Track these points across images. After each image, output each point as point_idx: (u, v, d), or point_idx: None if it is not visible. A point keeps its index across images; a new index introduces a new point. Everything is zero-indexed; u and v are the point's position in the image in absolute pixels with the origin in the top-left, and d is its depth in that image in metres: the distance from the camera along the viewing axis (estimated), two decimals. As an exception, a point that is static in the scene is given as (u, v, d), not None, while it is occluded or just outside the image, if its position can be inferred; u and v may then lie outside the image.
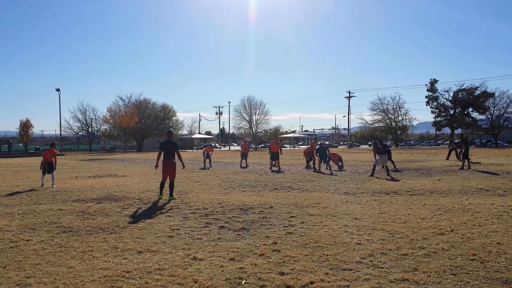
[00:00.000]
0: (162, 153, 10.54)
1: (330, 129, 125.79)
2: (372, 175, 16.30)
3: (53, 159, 14.72)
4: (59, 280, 4.48)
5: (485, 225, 6.91)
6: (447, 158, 25.66)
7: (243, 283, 4.35)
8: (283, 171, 19.31)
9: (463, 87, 73.52)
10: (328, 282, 4.35)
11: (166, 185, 10.75)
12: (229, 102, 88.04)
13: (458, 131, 78.06)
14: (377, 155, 16.79)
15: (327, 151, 19.63)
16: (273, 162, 21.40)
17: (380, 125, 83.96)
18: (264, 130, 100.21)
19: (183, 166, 11.20)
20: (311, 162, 21.68)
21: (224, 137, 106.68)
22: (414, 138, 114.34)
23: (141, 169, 22.54)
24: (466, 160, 19.46)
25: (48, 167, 14.56)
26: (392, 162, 20.35)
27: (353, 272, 4.67)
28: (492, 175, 15.97)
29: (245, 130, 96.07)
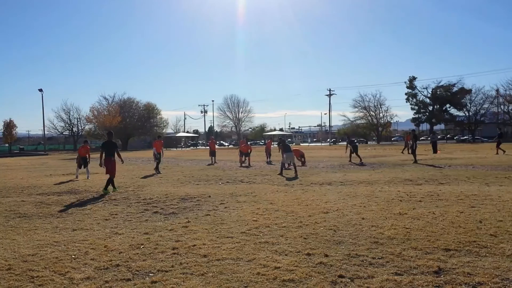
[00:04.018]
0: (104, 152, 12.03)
1: (316, 126, 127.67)
2: (280, 173, 16.36)
3: (87, 155, 16.62)
4: (1, 246, 5.84)
5: (369, 206, 8.37)
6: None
7: (141, 247, 5.72)
8: (252, 167, 20.72)
9: (440, 84, 75.70)
10: (205, 244, 5.75)
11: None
12: (212, 101, 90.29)
13: (437, 127, 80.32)
14: (284, 154, 17.08)
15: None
16: (243, 158, 23.01)
17: (362, 122, 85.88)
18: (250, 128, 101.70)
19: (122, 161, 12.71)
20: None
21: (211, 136, 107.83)
22: (399, 134, 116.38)
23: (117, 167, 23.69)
24: (414, 154, 21.28)
25: (82, 162, 16.50)
26: (358, 156, 22.34)
27: (232, 238, 6.07)
28: (434, 168, 17.46)
29: (231, 128, 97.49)
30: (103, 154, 11.95)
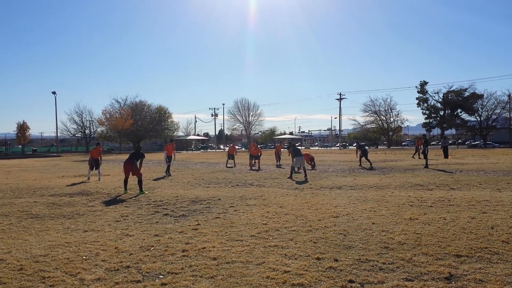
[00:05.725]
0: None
1: (326, 130, 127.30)
2: (290, 177, 16.16)
3: (99, 157, 16.92)
4: (14, 247, 5.91)
5: (379, 211, 8.31)
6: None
7: (151, 249, 5.76)
8: (262, 170, 20.70)
9: (452, 89, 75.04)
10: (214, 247, 5.77)
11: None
12: (223, 104, 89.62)
13: (448, 132, 79.54)
14: (294, 157, 16.93)
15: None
16: (253, 162, 23.02)
17: (372, 126, 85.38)
18: (260, 131, 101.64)
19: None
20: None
21: (222, 139, 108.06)
22: (410, 139, 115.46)
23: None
24: (425, 159, 21.02)
25: (94, 163, 16.81)
26: (368, 160, 22.28)
27: (241, 242, 6.08)
28: (445, 173, 17.32)
29: (241, 132, 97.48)
30: (131, 159, 12.56)
